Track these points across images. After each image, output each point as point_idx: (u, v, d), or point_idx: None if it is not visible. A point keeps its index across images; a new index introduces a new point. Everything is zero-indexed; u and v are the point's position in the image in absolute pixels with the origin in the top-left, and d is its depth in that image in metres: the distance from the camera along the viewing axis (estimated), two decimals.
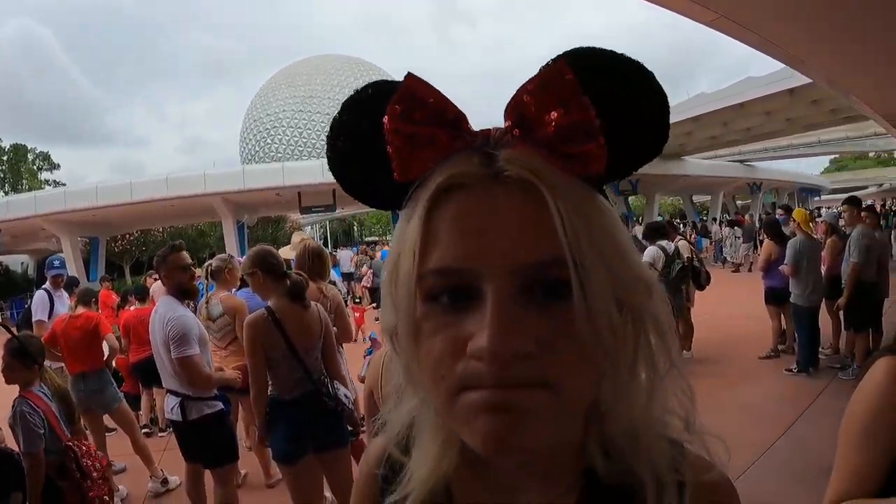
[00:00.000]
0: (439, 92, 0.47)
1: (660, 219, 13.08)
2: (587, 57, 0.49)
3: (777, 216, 9.42)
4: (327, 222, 53.20)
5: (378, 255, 16.77)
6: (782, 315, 6.96)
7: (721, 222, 23.75)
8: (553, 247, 0.43)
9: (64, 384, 3.46)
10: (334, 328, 3.34)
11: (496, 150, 0.46)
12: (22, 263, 37.52)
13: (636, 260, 0.49)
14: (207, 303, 4.56)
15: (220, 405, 3.53)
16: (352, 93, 0.54)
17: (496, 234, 0.45)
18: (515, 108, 0.46)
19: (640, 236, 7.70)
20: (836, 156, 63.86)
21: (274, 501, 4.29)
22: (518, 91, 0.46)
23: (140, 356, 5.94)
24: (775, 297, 6.85)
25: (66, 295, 6.26)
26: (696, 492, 0.53)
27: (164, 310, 3.46)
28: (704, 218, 34.20)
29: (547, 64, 0.46)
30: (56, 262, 6.26)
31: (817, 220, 15.02)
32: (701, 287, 6.83)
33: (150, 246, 36.86)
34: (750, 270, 15.54)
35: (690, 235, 18.19)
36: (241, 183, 23.77)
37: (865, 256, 6.00)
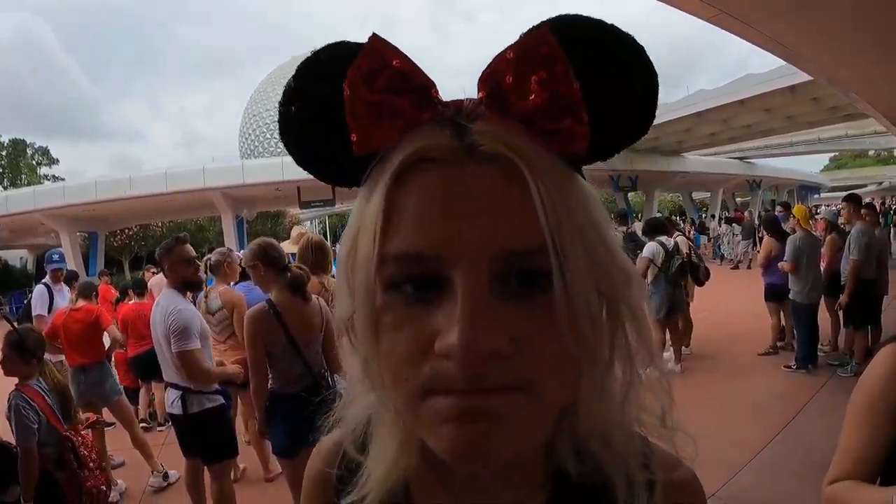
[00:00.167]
0: (406, 56, 0.42)
1: (659, 215, 13.07)
2: (573, 26, 0.44)
3: (776, 213, 9.41)
4: (326, 217, 53.15)
5: None
6: (782, 312, 6.97)
7: (720, 219, 23.77)
8: (534, 233, 0.39)
9: (64, 379, 3.45)
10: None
11: (469, 122, 0.41)
12: (21, 258, 37.53)
13: (617, 248, 0.45)
14: (206, 297, 4.56)
15: (221, 399, 3.53)
16: (308, 54, 0.47)
17: (469, 217, 0.40)
18: (492, 78, 0.41)
19: (639, 232, 7.69)
20: (836, 154, 63.94)
21: (273, 496, 4.29)
22: (495, 59, 0.41)
23: (138, 350, 5.93)
24: (775, 294, 6.85)
25: (65, 289, 6.25)
26: (666, 490, 0.51)
27: (165, 302, 3.45)
28: (703, 215, 34.22)
29: (529, 31, 0.41)
30: (55, 256, 6.24)
31: (817, 217, 15.02)
32: (700, 283, 6.83)
33: (148, 241, 36.94)
34: (749, 267, 15.55)
35: (689, 232, 18.19)
36: (240, 178, 23.76)
37: (865, 254, 6.00)
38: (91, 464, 3.26)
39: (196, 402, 3.43)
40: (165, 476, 4.69)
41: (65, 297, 6.07)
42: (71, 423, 3.34)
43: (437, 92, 0.43)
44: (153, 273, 8.78)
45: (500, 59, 0.41)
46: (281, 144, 0.50)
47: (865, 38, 5.61)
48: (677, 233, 7.14)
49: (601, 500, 0.51)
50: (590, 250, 0.42)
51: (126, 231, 35.52)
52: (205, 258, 5.31)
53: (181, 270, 3.50)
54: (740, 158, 34.83)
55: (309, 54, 0.47)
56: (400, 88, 0.42)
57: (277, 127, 0.48)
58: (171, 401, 3.50)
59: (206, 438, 3.49)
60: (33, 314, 6.02)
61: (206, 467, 3.57)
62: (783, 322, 7.07)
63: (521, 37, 0.41)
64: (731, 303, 10.19)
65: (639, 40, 0.44)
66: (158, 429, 6.07)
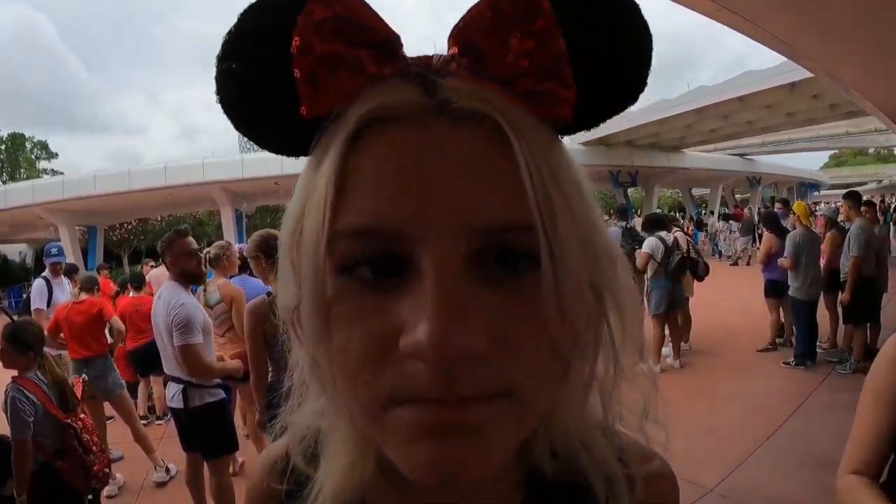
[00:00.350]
0: (367, 4, 0.36)
1: (658, 211, 13.09)
2: None
3: (776, 210, 9.42)
4: None
5: None
6: (781, 308, 6.97)
7: (720, 215, 23.76)
8: (519, 205, 0.34)
9: (63, 373, 3.44)
10: None
11: (439, 78, 0.36)
12: (20, 253, 37.51)
13: (603, 226, 0.40)
14: (205, 290, 4.55)
15: (222, 394, 3.52)
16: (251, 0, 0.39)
17: (442, 184, 0.34)
18: (465, 33, 0.35)
19: (639, 228, 7.70)
20: (836, 151, 63.93)
21: None
22: (469, 12, 0.35)
23: (136, 344, 5.94)
24: (775, 291, 6.86)
25: (65, 282, 6.23)
26: (643, 483, 0.49)
27: (168, 295, 3.43)
28: (703, 211, 34.24)
29: None
30: (54, 250, 6.23)
31: (817, 213, 15.03)
32: (700, 278, 6.84)
33: (147, 235, 36.93)
34: (748, 264, 15.56)
35: (688, 228, 18.22)
36: (239, 172, 23.69)
37: (865, 250, 6.00)
38: (94, 447, 3.26)
39: (197, 397, 3.42)
40: (167, 470, 4.69)
41: (64, 291, 6.06)
42: (70, 413, 3.34)
43: (401, 47, 0.37)
44: (151, 267, 8.78)
45: (475, 13, 0.35)
46: None
47: (866, 36, 5.59)
48: (676, 229, 7.14)
49: (579, 500, 0.48)
50: (580, 227, 0.36)
51: (125, 225, 35.49)
52: (204, 252, 5.30)
53: (183, 263, 3.48)
54: (740, 155, 34.80)
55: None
56: (359, 40, 0.36)
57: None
58: (171, 395, 3.49)
59: (207, 433, 3.48)
60: (32, 308, 6.00)
61: (205, 461, 3.57)
62: (782, 318, 7.07)
63: None
64: (731, 299, 10.19)
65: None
66: (157, 422, 6.07)
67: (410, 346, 0.32)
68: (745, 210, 22.28)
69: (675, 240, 6.58)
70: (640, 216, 13.66)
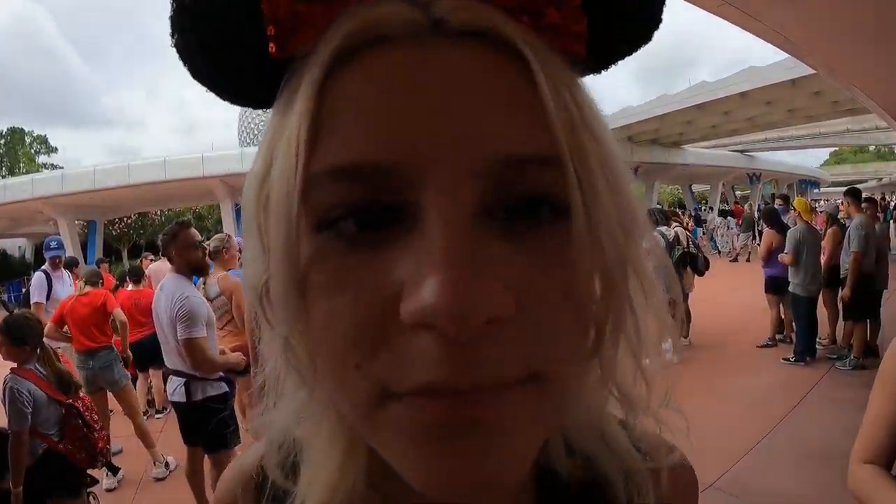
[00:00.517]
0: None
1: (658, 206, 13.07)
2: None
3: (776, 206, 9.41)
4: None
5: None
6: (781, 304, 6.97)
7: (719, 211, 23.78)
8: (540, 134, 0.28)
9: (63, 367, 3.42)
10: None
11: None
12: (20, 247, 37.51)
13: (631, 181, 0.34)
14: (205, 283, 4.55)
15: (225, 387, 3.51)
16: None
17: (445, 106, 0.27)
18: None
19: None
20: (836, 149, 63.88)
21: None
22: None
23: (135, 338, 5.92)
24: (775, 286, 6.86)
25: (65, 275, 6.21)
26: (666, 478, 0.44)
27: (172, 288, 3.40)
28: (703, 207, 34.24)
29: None
30: (53, 244, 6.21)
31: (818, 210, 15.05)
32: (700, 273, 6.83)
33: (147, 229, 36.97)
34: (748, 260, 15.56)
35: (688, 224, 18.22)
36: (239, 165, 23.63)
37: (865, 246, 6.00)
38: (96, 426, 3.27)
39: (200, 390, 3.41)
40: (166, 465, 4.68)
41: (64, 284, 6.05)
42: (71, 395, 3.32)
43: None
44: (150, 261, 8.77)
45: None
46: None
47: (869, 33, 5.57)
48: (676, 224, 7.13)
49: (599, 500, 0.43)
50: (611, 173, 0.30)
51: (124, 219, 35.47)
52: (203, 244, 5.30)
53: (187, 255, 3.46)
54: (741, 151, 34.80)
55: None
56: None
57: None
58: (173, 389, 3.47)
59: (209, 426, 3.46)
60: (31, 301, 5.99)
61: (207, 455, 3.56)
62: (783, 315, 7.07)
63: None
64: (731, 295, 10.20)
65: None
66: (157, 416, 6.07)
67: (415, 312, 0.26)
68: (746, 206, 22.28)
69: (676, 235, 6.57)
70: None
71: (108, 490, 4.33)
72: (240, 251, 4.70)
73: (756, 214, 17.03)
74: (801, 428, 4.60)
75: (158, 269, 7.29)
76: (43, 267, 6.14)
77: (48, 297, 5.82)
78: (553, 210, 0.29)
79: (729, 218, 19.38)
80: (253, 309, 0.36)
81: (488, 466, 0.28)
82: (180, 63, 0.33)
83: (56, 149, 56.78)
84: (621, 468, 0.42)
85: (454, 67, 0.28)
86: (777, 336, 7.07)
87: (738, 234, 17.40)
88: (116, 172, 24.07)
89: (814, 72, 8.61)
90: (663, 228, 6.54)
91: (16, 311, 3.75)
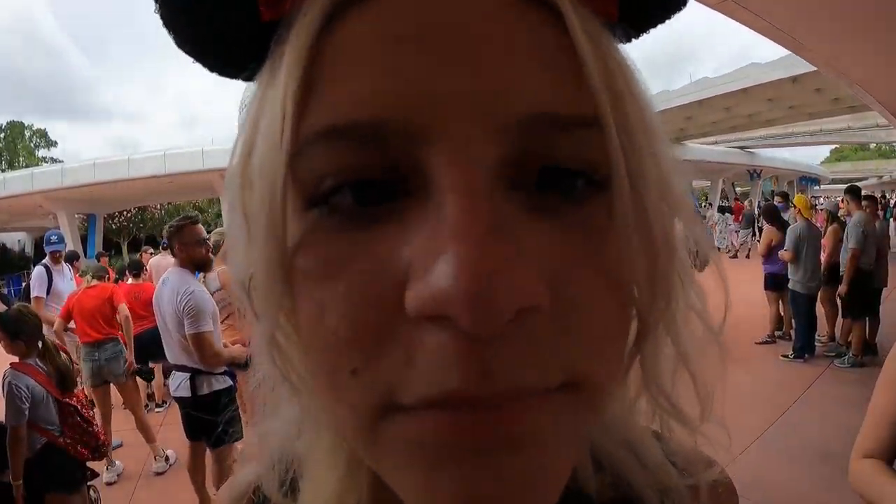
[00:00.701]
0: None
1: None
2: None
3: (775, 203, 9.40)
4: None
5: None
6: (781, 301, 6.98)
7: (719, 208, 23.76)
8: (574, 92, 0.24)
9: (65, 362, 3.42)
10: None
11: None
12: (19, 241, 37.46)
13: (670, 153, 0.29)
14: (205, 277, 4.55)
15: (229, 381, 3.52)
16: None
17: (461, 52, 0.23)
18: None
19: None
20: (837, 146, 63.76)
21: None
22: None
23: (136, 332, 5.92)
24: (775, 283, 6.86)
25: (66, 269, 6.20)
26: (706, 496, 0.39)
27: (176, 283, 3.38)
28: (703, 204, 34.21)
29: None
30: (53, 238, 6.19)
31: (818, 208, 15.04)
32: (700, 268, 6.83)
33: (147, 223, 36.88)
34: (748, 257, 15.55)
35: None
36: None
37: (862, 242, 6.01)
38: (93, 420, 3.29)
39: (206, 384, 3.41)
40: (167, 459, 4.69)
41: (65, 278, 6.03)
42: (68, 392, 3.33)
43: None
44: (150, 255, 8.76)
45: None
46: None
47: (871, 31, 5.56)
48: None
49: None
50: (652, 138, 0.27)
51: (124, 213, 35.41)
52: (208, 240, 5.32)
53: (191, 251, 3.46)
54: (741, 148, 34.74)
55: None
56: None
57: None
58: (177, 384, 3.46)
59: (214, 420, 3.46)
60: (31, 296, 5.98)
61: (209, 449, 3.56)
62: (782, 311, 7.08)
63: None
64: (730, 291, 10.18)
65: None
66: (157, 410, 6.08)
67: (424, 301, 0.21)
68: (746, 203, 22.28)
69: None
70: None
71: (108, 484, 4.34)
72: None
73: (756, 211, 17.02)
74: (799, 425, 4.62)
75: (158, 263, 7.30)
76: (43, 261, 6.12)
77: (48, 292, 5.82)
78: (590, 184, 0.25)
79: (727, 214, 19.36)
80: (240, 303, 0.32)
81: (519, 496, 0.23)
82: (165, 32, 0.29)
83: (56, 142, 56.81)
84: (655, 485, 0.37)
85: (475, 10, 0.24)
86: (776, 333, 7.08)
87: (737, 231, 17.39)
88: (116, 166, 24.01)
89: (815, 69, 8.59)
90: None
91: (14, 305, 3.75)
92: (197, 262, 3.51)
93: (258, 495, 0.40)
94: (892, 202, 25.44)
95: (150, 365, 6.09)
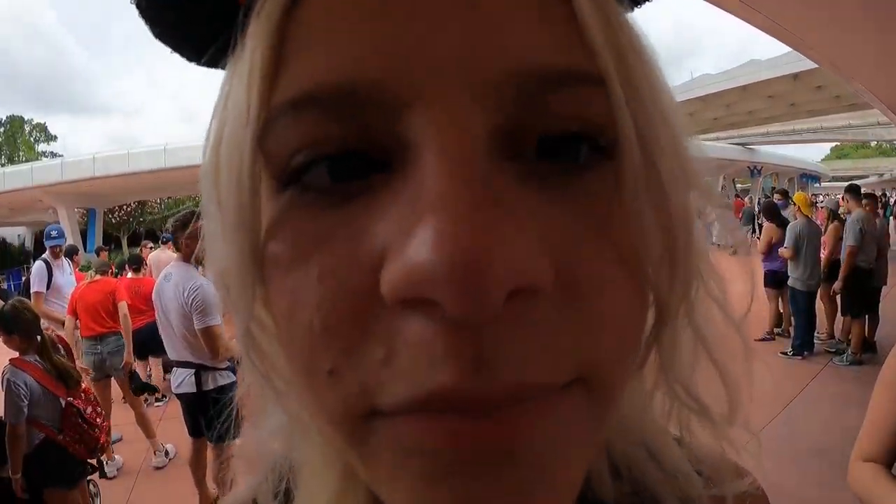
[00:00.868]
0: None
1: None
2: None
3: (775, 200, 9.40)
4: None
5: None
6: (780, 298, 6.98)
7: None
8: (575, 49, 0.21)
9: (62, 359, 3.40)
10: None
11: None
12: (19, 236, 37.43)
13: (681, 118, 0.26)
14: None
15: (233, 376, 3.51)
16: None
17: (445, 7, 0.21)
18: None
19: None
20: (837, 144, 63.68)
21: None
22: None
23: (135, 326, 5.92)
24: (775, 281, 6.86)
25: (65, 263, 6.19)
26: None
27: (181, 277, 3.35)
28: None
29: None
30: (53, 232, 6.17)
31: (819, 205, 15.06)
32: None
33: (147, 217, 36.86)
34: (748, 254, 15.53)
35: None
36: None
37: (860, 240, 6.01)
38: (98, 419, 3.27)
39: (211, 379, 3.40)
40: (166, 453, 4.70)
41: (64, 273, 6.02)
42: (73, 390, 3.32)
43: None
44: (150, 249, 8.76)
45: None
46: None
47: (873, 28, 5.54)
48: None
49: None
50: (661, 100, 0.24)
51: (124, 207, 35.38)
52: None
53: (196, 246, 3.43)
54: (742, 144, 34.72)
55: None
56: None
57: None
58: (181, 380, 3.44)
59: (218, 416, 3.43)
60: (31, 290, 5.98)
61: (210, 444, 3.55)
62: (781, 309, 7.09)
63: None
64: (729, 288, 10.19)
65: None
66: (156, 404, 6.09)
67: (399, 280, 0.18)
68: (746, 200, 22.26)
69: None
70: None
71: (108, 478, 4.34)
72: None
73: (756, 208, 17.01)
74: (797, 422, 4.62)
75: (158, 257, 7.29)
76: (43, 256, 6.11)
77: (48, 287, 5.81)
78: (595, 150, 0.22)
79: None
80: (221, 298, 0.28)
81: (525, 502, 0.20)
82: (143, 22, 0.27)
83: (55, 137, 56.67)
84: (678, 495, 0.33)
85: None
86: (775, 330, 7.08)
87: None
88: (116, 160, 23.98)
89: (816, 66, 8.58)
90: None
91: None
92: (201, 258, 3.48)
93: None
94: (892, 200, 25.43)
95: (150, 359, 6.11)
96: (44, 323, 4.11)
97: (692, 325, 0.28)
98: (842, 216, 7.20)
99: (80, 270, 6.20)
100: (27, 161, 40.20)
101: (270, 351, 0.27)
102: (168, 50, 0.29)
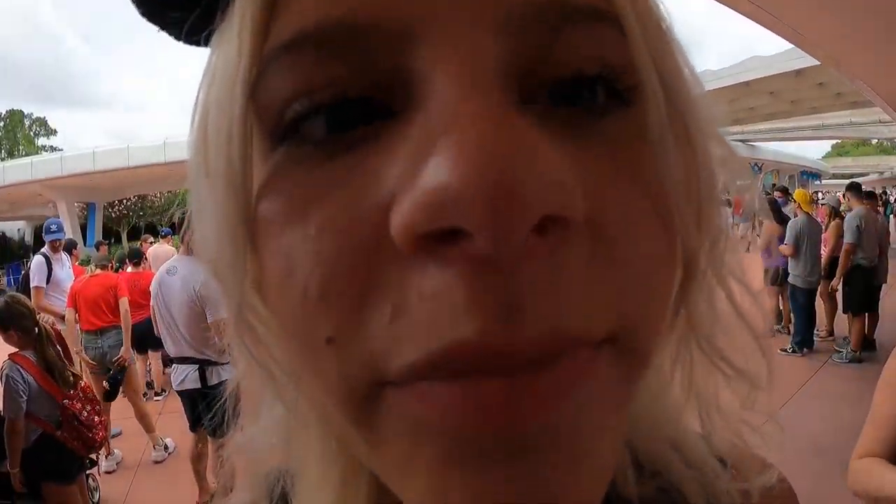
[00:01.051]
0: None
1: None
2: None
3: (775, 197, 9.39)
4: None
5: None
6: (780, 295, 6.98)
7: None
8: None
9: (55, 356, 3.37)
10: None
11: None
12: (19, 230, 37.43)
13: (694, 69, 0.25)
14: None
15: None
16: None
17: None
18: None
19: None
20: (838, 141, 63.68)
21: None
22: None
23: (135, 320, 5.92)
24: (775, 277, 6.86)
25: (65, 258, 6.18)
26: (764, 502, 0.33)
27: (188, 271, 3.32)
28: None
29: None
30: (53, 227, 6.16)
31: (820, 203, 15.06)
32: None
33: (147, 211, 36.82)
34: (748, 250, 15.55)
35: None
36: None
37: (858, 237, 6.01)
38: (96, 417, 3.26)
39: (215, 374, 3.38)
40: (165, 448, 4.70)
41: (64, 267, 6.01)
42: (71, 388, 3.30)
43: None
44: (150, 243, 8.74)
45: None
46: None
47: (876, 26, 5.53)
48: None
49: None
50: (677, 46, 0.23)
51: (124, 201, 35.36)
52: None
53: None
54: (742, 141, 34.69)
55: None
56: None
57: None
58: (184, 376, 3.42)
59: (219, 411, 3.41)
60: (31, 285, 5.97)
61: (212, 439, 3.53)
62: (781, 306, 7.08)
63: None
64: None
65: None
66: (155, 398, 6.09)
67: (416, 208, 0.16)
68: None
69: None
70: None
71: (107, 473, 4.35)
72: None
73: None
74: (796, 419, 4.62)
75: (156, 252, 7.28)
76: (42, 250, 6.10)
77: (48, 281, 5.81)
78: (612, 96, 0.21)
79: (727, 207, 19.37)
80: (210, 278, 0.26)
81: (558, 496, 0.17)
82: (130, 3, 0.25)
83: (55, 131, 56.64)
84: (704, 490, 0.31)
85: None
86: (775, 327, 7.08)
87: (738, 224, 17.38)
88: (116, 154, 23.96)
89: (818, 63, 8.56)
90: None
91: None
92: None
93: None
94: (892, 198, 25.43)
95: (150, 353, 6.10)
96: (46, 318, 4.11)
97: (720, 281, 0.26)
98: (843, 213, 7.19)
99: (80, 264, 6.19)
100: (27, 155, 40.16)
101: (265, 335, 0.24)
102: (156, 28, 0.27)
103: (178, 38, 0.26)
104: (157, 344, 4.42)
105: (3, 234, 36.26)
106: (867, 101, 14.43)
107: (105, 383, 4.57)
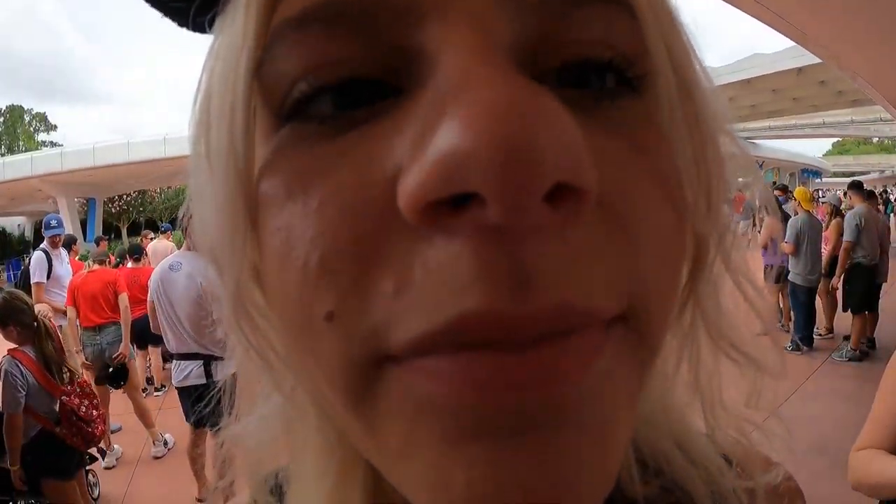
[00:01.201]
0: None
1: None
2: None
3: (776, 195, 9.38)
4: None
5: None
6: (780, 293, 6.97)
7: None
8: None
9: (52, 351, 3.36)
10: None
11: None
12: (19, 225, 37.44)
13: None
14: None
15: None
16: None
17: None
18: None
19: None
20: (839, 139, 63.62)
21: None
22: None
23: (135, 316, 5.92)
24: (774, 275, 6.85)
25: (64, 254, 6.18)
26: (768, 500, 0.32)
27: (192, 267, 3.29)
28: None
29: None
30: (53, 222, 6.15)
31: (820, 201, 15.06)
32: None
33: (147, 206, 36.82)
34: (748, 248, 15.54)
35: None
36: None
37: (856, 235, 6.01)
38: (94, 412, 3.26)
39: (220, 370, 3.35)
40: (165, 443, 4.70)
41: (63, 263, 6.01)
42: (68, 384, 3.30)
43: None
44: (150, 239, 8.74)
45: None
46: None
47: (878, 25, 5.51)
48: None
49: None
50: (685, 31, 0.23)
51: (124, 197, 35.36)
52: None
53: None
54: (743, 138, 34.69)
55: None
56: None
57: None
58: (188, 372, 3.40)
59: (219, 406, 3.40)
60: (31, 281, 5.96)
61: (213, 434, 3.53)
62: (781, 303, 7.08)
63: None
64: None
65: None
66: (155, 394, 6.09)
67: (427, 174, 0.15)
68: (746, 194, 22.31)
69: None
70: None
71: (107, 468, 4.35)
72: None
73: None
74: (795, 418, 4.62)
75: (156, 248, 7.28)
76: (42, 246, 6.10)
77: (48, 277, 5.80)
78: (623, 83, 0.21)
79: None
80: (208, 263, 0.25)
81: (567, 486, 0.16)
82: None
83: (55, 126, 56.62)
84: (709, 488, 0.30)
85: None
86: (776, 325, 7.08)
87: (738, 222, 17.39)
88: (116, 150, 23.96)
89: (820, 61, 8.54)
90: None
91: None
92: None
93: None
94: (892, 197, 25.42)
95: (150, 348, 6.10)
96: (44, 311, 4.10)
97: (729, 270, 0.26)
98: (843, 212, 7.18)
99: (79, 260, 6.18)
100: (27, 151, 40.15)
101: (262, 323, 0.23)
102: (163, 20, 0.27)
103: (181, 24, 0.26)
104: (157, 339, 4.41)
105: (3, 229, 36.26)
106: (868, 100, 14.41)
107: (110, 370, 4.59)
